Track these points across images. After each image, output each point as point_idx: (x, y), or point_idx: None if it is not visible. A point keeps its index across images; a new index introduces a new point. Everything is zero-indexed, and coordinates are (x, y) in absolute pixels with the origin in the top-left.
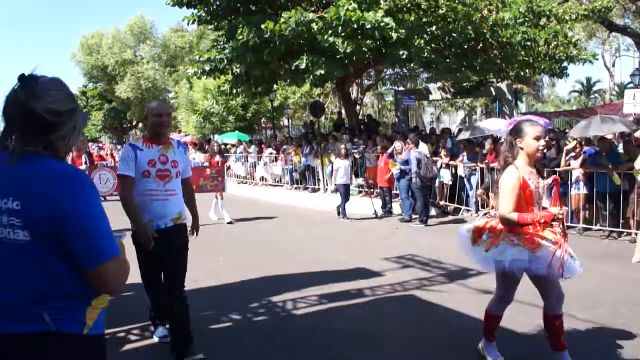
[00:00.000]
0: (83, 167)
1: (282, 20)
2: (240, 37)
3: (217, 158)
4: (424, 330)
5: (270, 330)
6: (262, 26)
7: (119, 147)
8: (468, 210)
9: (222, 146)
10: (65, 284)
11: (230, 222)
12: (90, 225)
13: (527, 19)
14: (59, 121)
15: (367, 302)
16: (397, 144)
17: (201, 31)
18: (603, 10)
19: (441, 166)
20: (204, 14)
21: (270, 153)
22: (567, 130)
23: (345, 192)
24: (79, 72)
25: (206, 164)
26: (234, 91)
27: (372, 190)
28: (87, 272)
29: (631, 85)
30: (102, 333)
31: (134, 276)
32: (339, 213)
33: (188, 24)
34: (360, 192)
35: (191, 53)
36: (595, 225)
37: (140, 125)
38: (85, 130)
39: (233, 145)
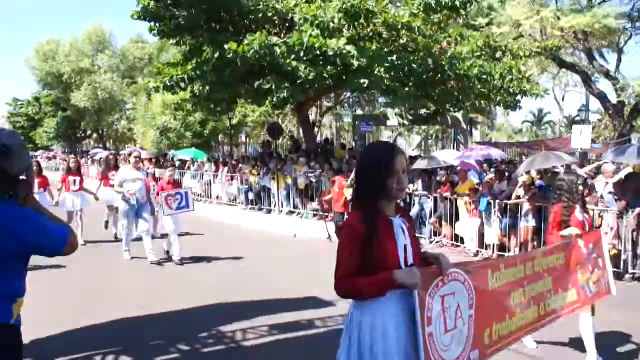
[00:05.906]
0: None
1: (246, 42)
2: (206, 55)
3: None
4: None
5: None
6: (226, 47)
7: (72, 156)
8: (422, 238)
9: (178, 162)
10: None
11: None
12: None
13: (484, 52)
14: None
15: (318, 335)
16: None
17: (162, 43)
18: (554, 48)
19: None
20: (166, 29)
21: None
22: (517, 163)
23: None
24: (33, 79)
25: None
26: (194, 108)
27: (327, 214)
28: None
29: (578, 118)
30: (19, 325)
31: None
32: None
33: (151, 32)
34: (315, 215)
35: (150, 65)
36: None
37: (94, 135)
38: (37, 137)
39: (189, 162)
